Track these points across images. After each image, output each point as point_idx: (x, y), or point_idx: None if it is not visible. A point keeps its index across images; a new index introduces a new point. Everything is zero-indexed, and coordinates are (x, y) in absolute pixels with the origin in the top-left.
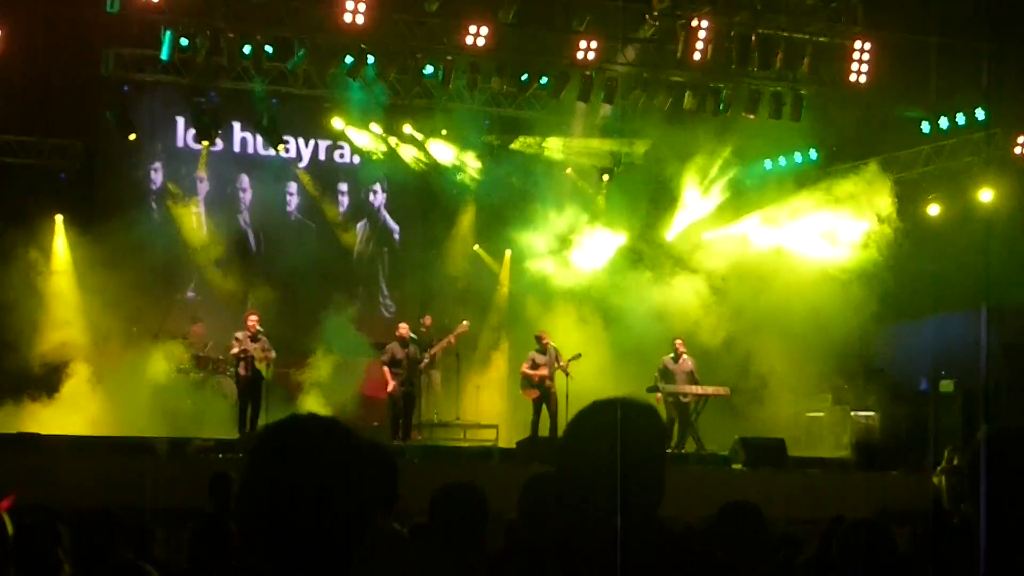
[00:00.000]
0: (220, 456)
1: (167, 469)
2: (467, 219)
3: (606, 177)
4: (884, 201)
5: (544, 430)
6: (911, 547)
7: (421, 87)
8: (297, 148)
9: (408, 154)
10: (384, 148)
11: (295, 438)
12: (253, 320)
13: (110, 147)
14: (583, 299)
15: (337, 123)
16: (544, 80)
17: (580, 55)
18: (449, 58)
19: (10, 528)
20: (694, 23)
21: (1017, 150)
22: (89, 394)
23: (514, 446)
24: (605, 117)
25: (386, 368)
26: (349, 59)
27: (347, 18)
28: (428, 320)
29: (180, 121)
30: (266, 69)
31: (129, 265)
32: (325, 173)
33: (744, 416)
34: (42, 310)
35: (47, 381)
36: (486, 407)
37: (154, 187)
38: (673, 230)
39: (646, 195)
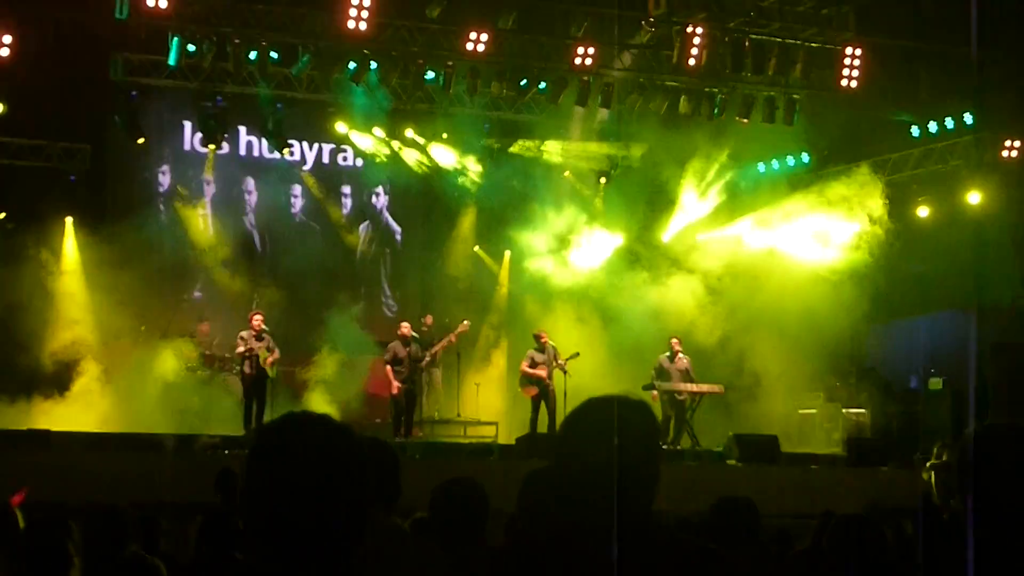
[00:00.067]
0: (226, 452)
1: (174, 465)
2: (467, 221)
3: (603, 180)
4: (875, 203)
5: (543, 427)
6: (901, 541)
7: (423, 92)
8: (301, 151)
9: (410, 157)
10: (387, 151)
11: (289, 436)
12: (258, 319)
13: (119, 150)
14: (581, 299)
15: (341, 127)
16: (543, 85)
17: (578, 61)
18: (450, 63)
19: (22, 522)
20: (689, 29)
21: (1004, 153)
22: (99, 391)
23: (513, 442)
24: (602, 121)
25: (388, 367)
26: (352, 64)
27: (351, 25)
28: (429, 319)
29: (187, 125)
30: (271, 74)
31: (137, 265)
32: (329, 176)
33: (738, 413)
34: (53, 309)
35: (58, 379)
36: (486, 404)
37: (162, 189)
38: (669, 231)
39: (643, 197)
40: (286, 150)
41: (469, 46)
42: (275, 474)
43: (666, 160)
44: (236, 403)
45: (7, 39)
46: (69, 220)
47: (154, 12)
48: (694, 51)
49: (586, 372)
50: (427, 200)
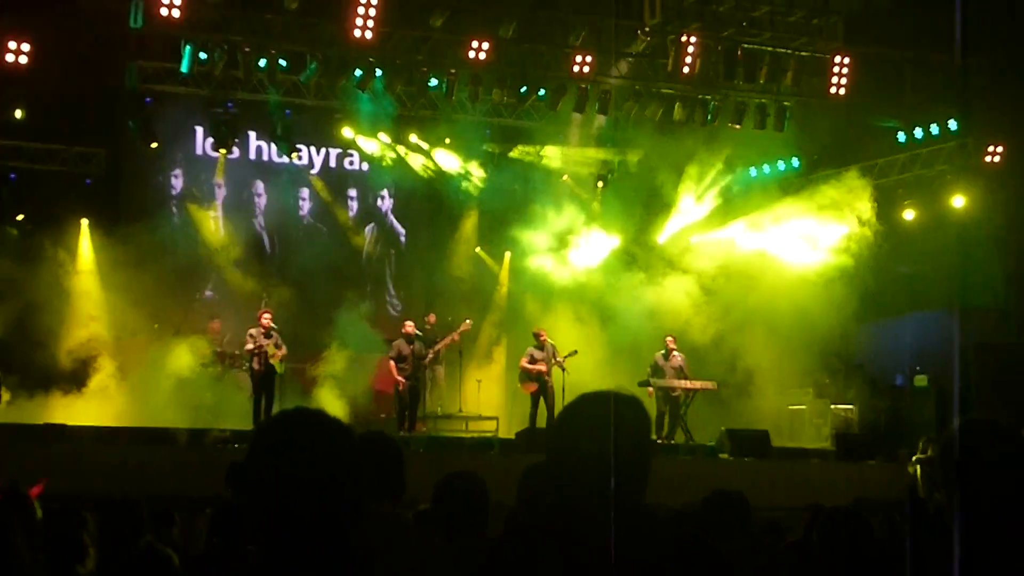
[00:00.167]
0: (236, 446)
1: (186, 458)
2: (470, 223)
3: (601, 184)
4: (863, 206)
5: (542, 422)
6: (887, 533)
7: (426, 98)
8: (309, 156)
9: (415, 162)
10: (392, 156)
11: (285, 432)
12: (267, 318)
13: (133, 155)
14: (579, 298)
15: (347, 132)
16: (542, 92)
17: (576, 69)
18: (453, 71)
19: (40, 513)
20: (683, 39)
21: (987, 158)
22: (114, 387)
23: (513, 437)
24: (600, 127)
25: (392, 363)
26: (359, 72)
27: (357, 34)
28: (432, 318)
29: (199, 130)
30: (280, 81)
31: (151, 265)
32: (336, 179)
33: (731, 409)
34: (69, 308)
35: (74, 375)
36: (487, 400)
37: (174, 192)
38: (665, 233)
39: (639, 201)
40: (295, 155)
41: (471, 54)
42: (271, 467)
43: (661, 165)
44: (246, 398)
45: (26, 47)
46: (85, 222)
47: (168, 21)
48: (688, 60)
49: (584, 369)
50: (431, 203)
